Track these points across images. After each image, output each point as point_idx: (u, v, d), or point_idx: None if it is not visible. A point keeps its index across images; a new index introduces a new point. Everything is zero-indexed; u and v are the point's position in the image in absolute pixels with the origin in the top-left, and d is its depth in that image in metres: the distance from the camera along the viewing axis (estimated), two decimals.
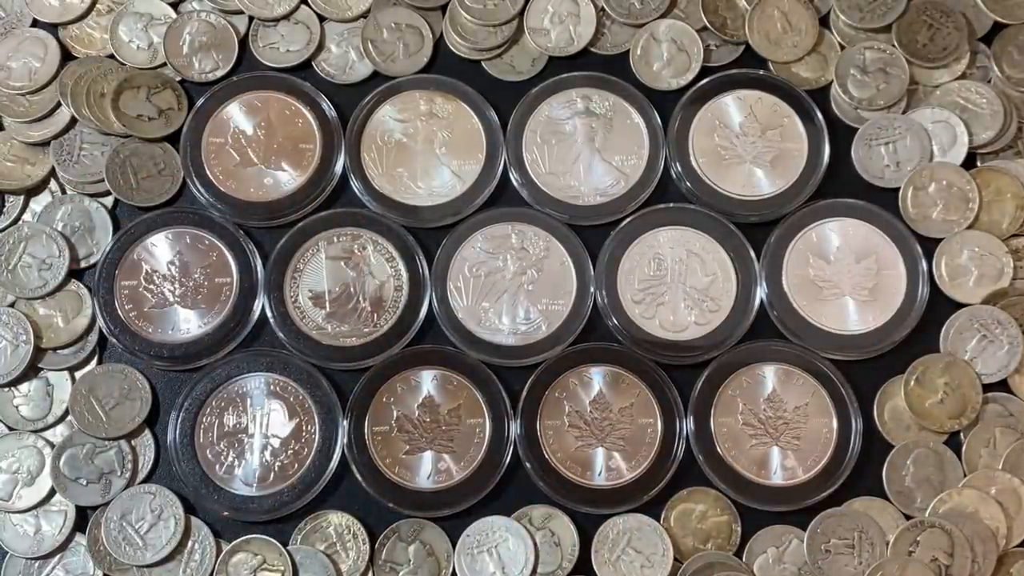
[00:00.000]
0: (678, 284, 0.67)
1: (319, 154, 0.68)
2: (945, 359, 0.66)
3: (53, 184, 0.69)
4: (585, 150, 0.69)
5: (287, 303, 0.67)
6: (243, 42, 0.71)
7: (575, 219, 0.68)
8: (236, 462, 0.65)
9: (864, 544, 0.64)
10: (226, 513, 0.64)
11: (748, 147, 0.69)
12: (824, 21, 0.71)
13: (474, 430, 0.65)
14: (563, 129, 0.69)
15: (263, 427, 0.65)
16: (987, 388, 0.65)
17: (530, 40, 0.70)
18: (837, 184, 0.69)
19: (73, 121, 0.69)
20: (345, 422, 0.65)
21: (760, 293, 0.67)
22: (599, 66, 0.70)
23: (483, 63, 0.71)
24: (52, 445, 0.65)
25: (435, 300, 0.66)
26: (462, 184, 0.68)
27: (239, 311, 0.66)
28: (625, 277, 0.67)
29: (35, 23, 0.71)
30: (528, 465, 0.65)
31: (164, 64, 0.70)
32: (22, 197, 0.69)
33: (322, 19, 0.71)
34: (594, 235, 0.68)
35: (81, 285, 0.67)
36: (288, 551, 0.63)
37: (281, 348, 0.66)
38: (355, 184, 0.68)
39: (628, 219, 0.68)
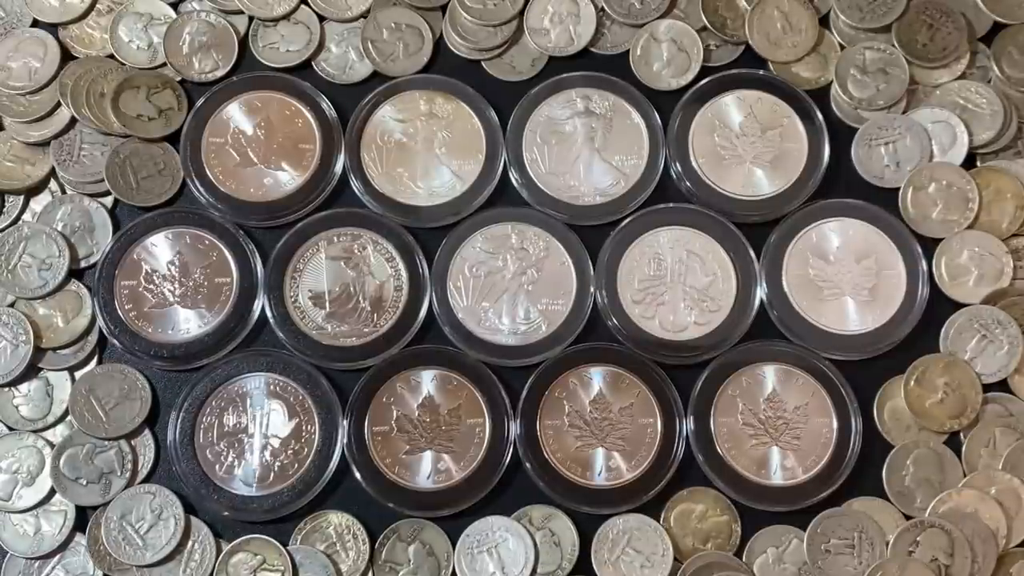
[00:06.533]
0: (678, 284, 0.67)
1: (319, 154, 0.68)
2: (945, 359, 0.66)
3: (53, 184, 0.69)
4: (585, 150, 0.69)
5: (287, 303, 0.67)
6: (243, 42, 0.71)
7: (575, 219, 0.68)
8: (236, 462, 0.65)
9: (864, 544, 0.64)
10: (226, 513, 0.64)
11: (748, 147, 0.69)
12: (824, 21, 0.71)
13: (474, 430, 0.65)
14: (563, 129, 0.69)
15: (263, 427, 0.65)
16: (987, 388, 0.65)
17: (530, 40, 0.70)
18: (837, 184, 0.69)
19: (73, 121, 0.69)
20: (345, 422, 0.65)
21: (760, 293, 0.67)
22: (599, 66, 0.70)
23: (483, 63, 0.71)
24: (52, 445, 0.65)
25: (435, 300, 0.66)
26: (462, 184, 0.68)
27: (239, 311, 0.66)
28: (625, 277, 0.67)
29: (35, 23, 0.71)
30: (528, 465, 0.65)
31: (164, 64, 0.70)
32: (22, 197, 0.69)
33: (322, 19, 0.71)
34: (594, 235, 0.68)
35: (81, 285, 0.67)
36: (288, 551, 0.64)
37: (281, 348, 0.66)
38: (355, 184, 0.68)
39: (628, 219, 0.68)
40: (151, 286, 0.67)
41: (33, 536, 0.65)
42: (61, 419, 0.66)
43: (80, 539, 0.65)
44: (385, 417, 0.65)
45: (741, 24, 0.70)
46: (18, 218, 0.68)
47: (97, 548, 0.64)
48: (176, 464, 0.65)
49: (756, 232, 0.67)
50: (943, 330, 0.66)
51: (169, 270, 0.67)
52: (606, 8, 0.70)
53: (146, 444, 0.66)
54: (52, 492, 0.65)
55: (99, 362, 0.67)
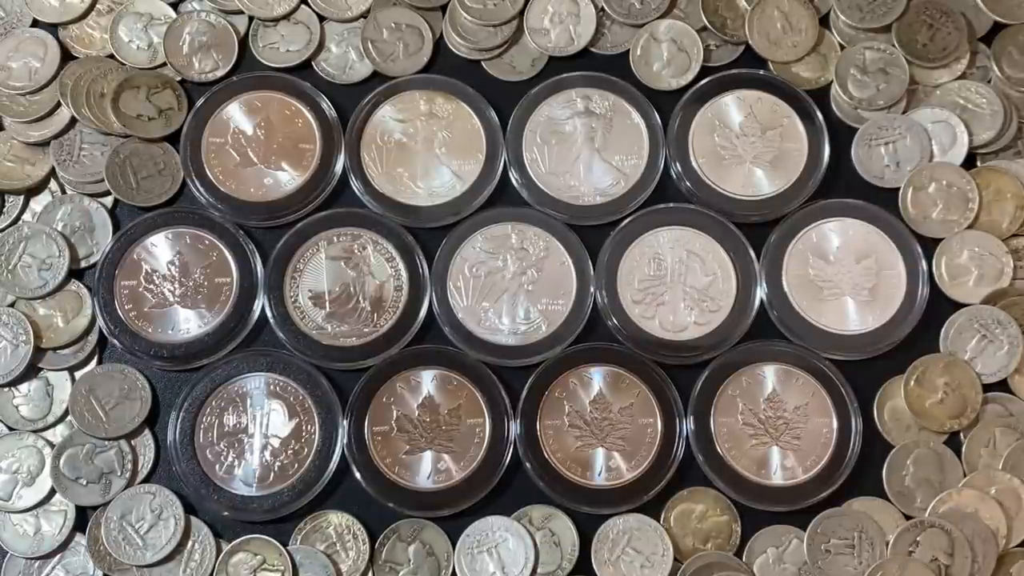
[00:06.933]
0: (678, 284, 0.67)
1: (319, 154, 0.68)
2: (945, 359, 0.66)
3: (53, 184, 0.69)
4: (585, 150, 0.69)
5: (287, 303, 0.67)
6: (243, 42, 0.71)
7: (575, 219, 0.68)
8: (236, 462, 0.65)
9: (864, 544, 0.64)
10: (226, 513, 0.64)
11: (748, 147, 0.69)
12: (824, 21, 0.71)
13: (474, 430, 0.65)
14: (563, 129, 0.69)
15: (263, 427, 0.65)
16: (987, 388, 0.65)
17: (530, 40, 0.70)
18: (837, 184, 0.69)
19: (73, 121, 0.69)
20: (345, 422, 0.65)
21: (760, 293, 0.67)
22: (599, 66, 0.70)
23: (483, 63, 0.71)
24: (52, 445, 0.65)
25: (435, 300, 0.66)
26: (462, 184, 0.68)
27: (239, 311, 0.66)
28: (625, 277, 0.67)
29: (35, 23, 0.71)
30: (528, 465, 0.65)
31: (164, 64, 0.70)
32: (22, 197, 0.69)
33: (322, 19, 0.71)
34: (594, 235, 0.68)
35: (81, 285, 0.67)
36: (288, 551, 0.64)
37: (281, 348, 0.66)
38: (355, 184, 0.68)
39: (628, 219, 0.68)
40: (151, 286, 0.67)
41: (33, 536, 0.65)
42: (61, 419, 0.66)
43: (80, 539, 0.65)
44: (385, 417, 0.65)
45: (741, 24, 0.70)
46: (18, 218, 0.68)
47: (97, 548, 0.64)
48: (176, 464, 0.65)
49: (756, 232, 0.67)
50: (943, 330, 0.66)
51: (169, 270, 0.67)
52: (606, 8, 0.70)
53: (146, 444, 0.66)
54: (52, 492, 0.65)
55: (99, 362, 0.67)
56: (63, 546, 0.65)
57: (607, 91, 0.69)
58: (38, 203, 0.69)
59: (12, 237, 0.67)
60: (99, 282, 0.66)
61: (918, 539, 0.63)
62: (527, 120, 0.69)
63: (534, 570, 0.64)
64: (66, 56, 0.70)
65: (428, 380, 0.66)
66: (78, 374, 0.66)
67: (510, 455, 0.65)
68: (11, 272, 0.67)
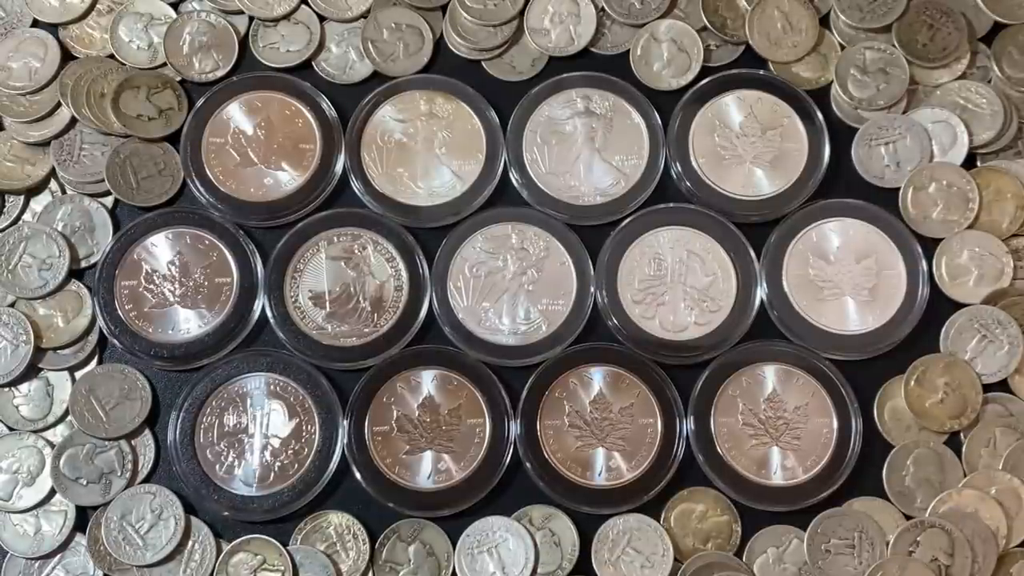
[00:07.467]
0: (678, 284, 0.67)
1: (319, 154, 0.68)
2: (945, 359, 0.66)
3: (53, 184, 0.69)
4: (585, 150, 0.69)
5: (287, 303, 0.67)
6: (243, 42, 0.71)
7: (575, 219, 0.68)
8: (236, 462, 0.65)
9: (864, 544, 0.64)
10: (226, 513, 0.64)
11: (748, 147, 0.69)
12: (824, 21, 0.71)
13: (474, 430, 0.65)
14: (563, 129, 0.69)
15: (263, 427, 0.65)
16: (987, 388, 0.65)
17: (530, 40, 0.70)
18: (837, 184, 0.69)
19: (73, 121, 0.69)
20: (345, 422, 0.65)
21: (760, 293, 0.67)
22: (599, 66, 0.70)
23: (483, 63, 0.71)
24: (52, 445, 0.65)
25: (435, 300, 0.66)
26: (462, 184, 0.68)
27: (239, 311, 0.66)
28: (625, 277, 0.67)
29: (35, 23, 0.71)
30: (528, 465, 0.65)
31: (164, 64, 0.70)
32: (22, 197, 0.69)
33: (322, 19, 0.71)
34: (594, 235, 0.68)
35: (81, 285, 0.67)
36: (288, 551, 0.64)
37: (281, 348, 0.66)
38: (355, 184, 0.68)
39: (628, 219, 0.68)
40: (151, 286, 0.67)
41: (33, 536, 0.65)
42: (61, 419, 0.66)
43: (80, 539, 0.65)
44: (385, 417, 0.65)
45: (741, 24, 0.70)
46: (18, 218, 0.68)
47: (97, 548, 0.64)
48: (176, 464, 0.65)
49: (756, 232, 0.67)
50: (943, 330, 0.66)
51: (169, 270, 0.67)
52: (606, 8, 0.70)
53: (146, 444, 0.66)
54: (52, 492, 0.65)
55: (99, 362, 0.67)
56: (63, 546, 0.65)
57: (607, 91, 0.69)
58: (38, 203, 0.69)
59: (12, 237, 0.67)
60: (99, 282, 0.66)
61: (918, 539, 0.63)
62: (527, 120, 0.69)
63: (534, 570, 0.64)
64: (66, 56, 0.70)
65: (428, 380, 0.66)
66: (78, 374, 0.66)
67: (510, 455, 0.65)
68: (11, 272, 0.67)
